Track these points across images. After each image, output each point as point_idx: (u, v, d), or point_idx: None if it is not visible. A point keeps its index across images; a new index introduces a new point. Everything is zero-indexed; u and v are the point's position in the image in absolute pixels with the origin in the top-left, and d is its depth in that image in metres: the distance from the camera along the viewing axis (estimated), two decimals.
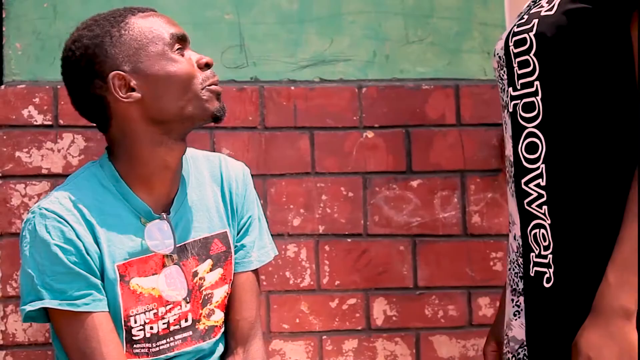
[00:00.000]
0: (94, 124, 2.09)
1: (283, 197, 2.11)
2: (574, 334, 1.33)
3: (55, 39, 2.07)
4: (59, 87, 2.05)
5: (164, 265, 1.51)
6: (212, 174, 1.63)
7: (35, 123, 2.05)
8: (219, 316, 1.60)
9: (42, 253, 1.42)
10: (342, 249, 2.12)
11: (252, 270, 1.66)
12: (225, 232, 1.61)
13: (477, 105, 2.16)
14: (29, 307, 1.43)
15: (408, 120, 2.15)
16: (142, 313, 1.49)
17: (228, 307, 1.63)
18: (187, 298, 1.53)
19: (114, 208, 1.48)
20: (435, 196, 2.15)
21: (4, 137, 2.04)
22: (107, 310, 1.45)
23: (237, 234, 1.65)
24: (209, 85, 1.49)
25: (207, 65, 1.50)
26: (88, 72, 1.46)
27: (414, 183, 2.15)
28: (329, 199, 2.12)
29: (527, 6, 1.53)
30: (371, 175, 2.14)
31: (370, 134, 2.14)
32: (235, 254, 1.64)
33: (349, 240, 2.13)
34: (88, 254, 1.44)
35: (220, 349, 1.62)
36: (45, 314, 1.46)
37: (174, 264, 1.51)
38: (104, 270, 1.46)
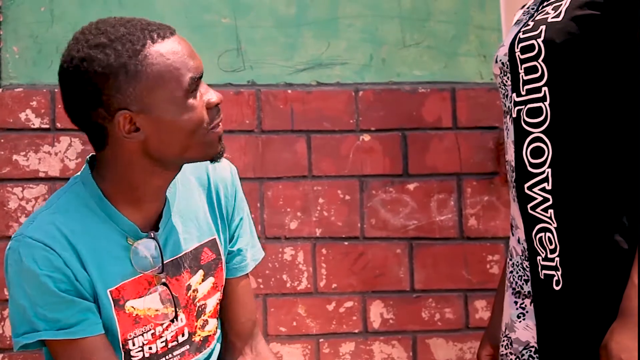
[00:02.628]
0: None
1: (280, 200, 2.11)
2: (587, 335, 1.34)
3: (53, 42, 2.07)
4: (56, 90, 2.05)
5: (155, 285, 1.46)
6: (198, 179, 1.55)
7: (32, 126, 2.05)
8: (212, 325, 1.57)
9: (31, 284, 1.35)
10: (339, 252, 2.12)
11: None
12: (214, 239, 1.55)
13: (474, 108, 2.17)
14: (25, 340, 1.37)
15: (404, 124, 2.16)
16: (140, 335, 1.45)
17: (231, 310, 1.61)
18: (175, 319, 1.48)
19: (100, 230, 1.41)
20: (432, 199, 2.15)
21: (1, 140, 2.04)
22: (103, 331, 1.41)
23: (231, 239, 1.60)
24: (213, 128, 1.40)
25: (216, 106, 1.41)
26: (93, 99, 1.33)
27: (411, 186, 2.15)
28: (326, 202, 2.13)
29: (527, 13, 1.54)
30: (368, 178, 2.14)
31: (366, 137, 2.15)
32: (231, 260, 1.60)
33: (346, 243, 2.13)
34: (77, 280, 1.37)
35: (217, 352, 1.62)
36: (40, 341, 1.40)
37: (161, 284, 1.45)
38: (96, 296, 1.40)
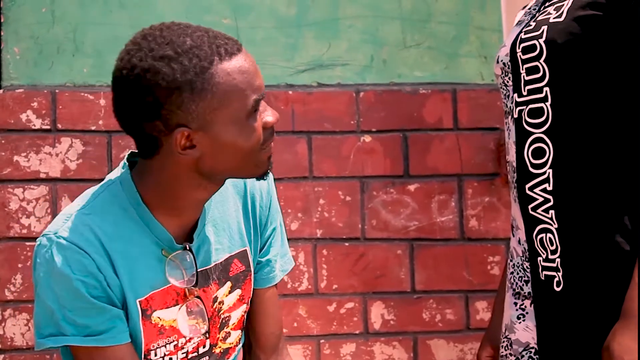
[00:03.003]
0: (92, 129, 2.09)
1: (281, 201, 2.11)
2: (588, 336, 1.34)
3: (54, 43, 2.07)
4: (57, 91, 2.06)
5: (185, 295, 1.41)
6: (235, 186, 1.50)
7: (33, 127, 2.05)
8: (234, 337, 1.53)
9: (62, 287, 1.31)
10: (340, 253, 2.12)
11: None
12: (245, 250, 1.50)
13: (474, 109, 2.17)
14: (51, 343, 1.33)
15: (405, 125, 2.16)
16: (162, 346, 1.41)
17: (256, 322, 1.57)
18: (207, 334, 1.45)
19: (135, 235, 1.36)
20: (433, 200, 2.15)
21: (2, 141, 2.04)
22: (130, 339, 1.37)
23: (261, 249, 1.55)
24: (264, 147, 1.36)
25: (272, 126, 1.37)
26: (152, 111, 1.28)
27: (412, 187, 2.15)
28: (327, 203, 2.13)
29: (529, 13, 1.54)
30: (369, 179, 2.14)
31: (367, 138, 2.15)
32: (260, 270, 1.55)
33: (347, 244, 2.13)
34: (109, 286, 1.33)
35: None
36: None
37: (196, 297, 1.42)
38: (125, 303, 1.36)
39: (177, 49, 1.27)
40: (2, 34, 2.07)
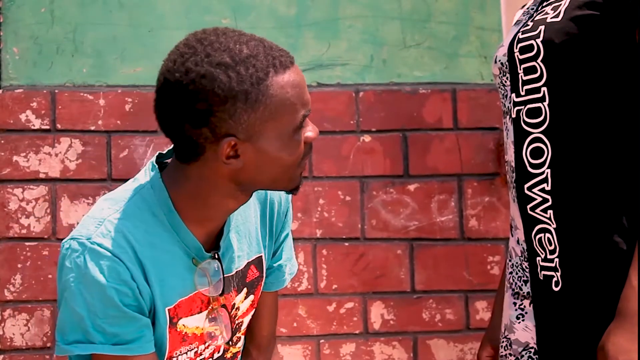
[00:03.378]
0: (92, 129, 2.09)
1: None
2: (587, 336, 1.34)
3: (53, 43, 2.07)
4: (56, 91, 2.05)
5: (208, 303, 1.40)
6: (256, 192, 1.47)
7: (32, 127, 2.05)
8: (242, 341, 1.54)
9: (94, 294, 1.28)
10: (340, 253, 2.12)
11: None
12: (261, 256, 1.50)
13: (474, 109, 2.17)
14: (78, 350, 1.30)
15: (405, 124, 2.16)
16: (184, 353, 1.40)
17: (257, 323, 1.57)
18: (230, 342, 1.46)
19: (164, 242, 1.34)
20: (433, 200, 2.15)
21: (2, 141, 2.04)
22: (154, 349, 1.35)
23: (274, 253, 1.55)
24: (302, 164, 1.35)
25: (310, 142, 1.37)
26: (201, 118, 1.25)
27: (411, 187, 2.15)
28: (327, 203, 2.13)
29: (527, 13, 1.54)
30: (368, 179, 2.14)
31: (367, 138, 2.15)
32: (270, 275, 1.55)
33: (347, 244, 2.13)
34: (141, 294, 1.31)
35: None
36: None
37: (221, 306, 1.42)
38: (154, 312, 1.34)
39: (235, 57, 1.25)
40: (1, 34, 2.07)
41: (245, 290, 1.47)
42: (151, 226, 1.33)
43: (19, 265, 2.02)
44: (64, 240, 1.33)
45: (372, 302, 2.13)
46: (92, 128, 2.06)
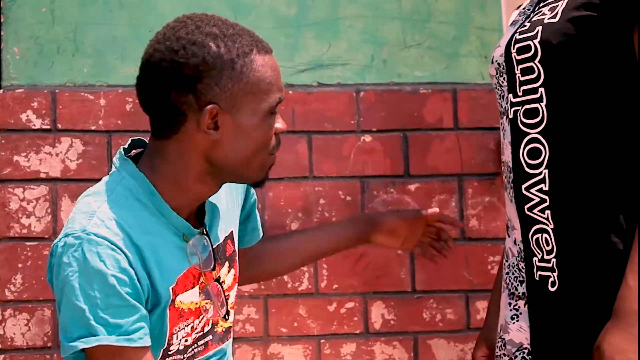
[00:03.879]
0: (92, 129, 2.09)
1: (281, 201, 2.11)
2: (583, 336, 1.35)
3: (53, 43, 2.07)
4: (57, 91, 2.06)
5: (199, 277, 1.44)
6: None
7: (33, 127, 2.05)
8: (232, 317, 1.56)
9: (96, 284, 1.29)
10: (340, 253, 2.11)
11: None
12: (233, 230, 1.57)
13: (475, 109, 2.17)
14: (82, 345, 1.30)
15: (406, 124, 2.16)
16: (182, 329, 1.43)
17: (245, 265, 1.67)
18: (227, 316, 1.49)
19: (154, 226, 1.38)
20: (433, 200, 2.15)
21: (2, 141, 2.04)
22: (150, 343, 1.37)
23: (245, 219, 1.67)
24: (272, 154, 1.43)
25: (279, 135, 1.44)
26: (187, 84, 1.32)
27: (412, 187, 2.15)
28: (327, 202, 2.13)
29: (523, 13, 1.54)
30: (369, 179, 2.14)
31: (368, 138, 2.15)
32: (248, 238, 1.70)
33: None
34: (139, 282, 1.33)
35: (231, 349, 1.61)
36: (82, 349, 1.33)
37: (215, 280, 1.47)
38: (157, 296, 1.37)
39: (223, 31, 1.35)
40: (2, 34, 2.07)
41: (227, 264, 1.53)
42: (139, 212, 1.37)
43: (20, 265, 2.02)
44: (55, 242, 1.33)
45: (373, 302, 2.13)
46: (93, 128, 2.06)
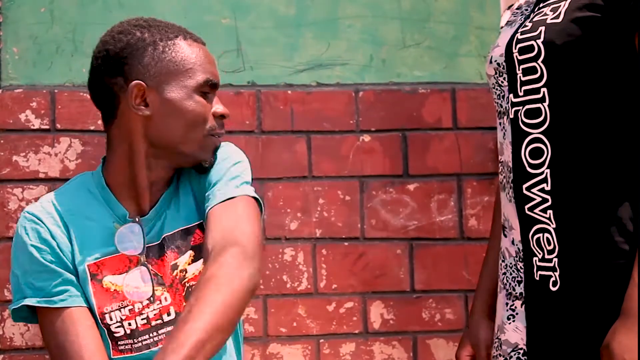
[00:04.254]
0: (91, 129, 2.10)
1: (280, 200, 2.11)
2: (587, 335, 1.35)
3: (53, 43, 2.07)
4: (56, 91, 2.06)
5: (137, 263, 1.54)
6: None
7: (32, 127, 2.05)
8: None
9: (22, 253, 1.51)
10: (339, 253, 2.12)
11: (216, 206, 1.49)
12: (204, 222, 1.57)
13: (474, 109, 2.17)
14: (13, 306, 1.51)
15: (405, 124, 2.16)
16: (116, 310, 1.52)
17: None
18: (152, 298, 1.53)
19: (95, 212, 1.54)
20: (432, 200, 2.15)
21: (1, 141, 2.04)
22: (85, 305, 1.51)
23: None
24: (212, 135, 1.54)
25: (222, 117, 1.56)
26: (116, 66, 1.49)
27: (411, 186, 2.15)
28: (326, 202, 2.13)
29: (520, 14, 1.54)
30: (368, 178, 2.14)
31: (367, 137, 2.15)
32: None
33: (346, 243, 2.13)
34: (62, 252, 1.51)
35: (232, 345, 1.61)
36: (34, 315, 1.52)
37: (141, 264, 1.54)
38: (77, 270, 1.52)
39: (151, 23, 1.54)
40: (1, 33, 2.07)
41: (191, 252, 1.57)
42: (84, 200, 1.55)
43: None
44: None
45: (372, 302, 2.13)
46: (92, 128, 2.06)
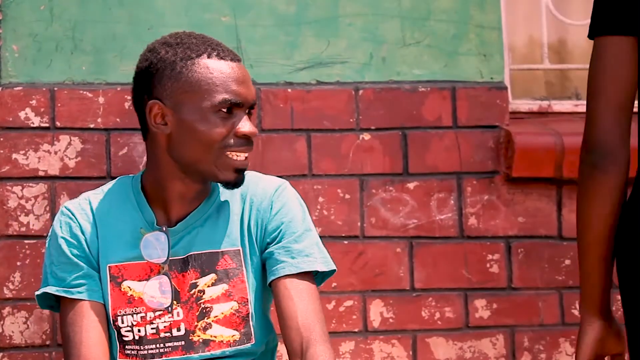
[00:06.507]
0: (91, 127, 2.10)
1: None
2: None
3: (52, 41, 2.07)
4: (55, 89, 2.05)
5: (158, 273, 1.56)
6: (242, 191, 1.61)
7: (32, 125, 2.05)
8: (218, 331, 1.56)
9: (52, 243, 1.59)
10: (339, 251, 2.12)
11: (292, 277, 1.54)
12: (239, 250, 1.59)
13: (474, 107, 2.17)
14: (37, 292, 1.58)
15: (405, 123, 2.15)
16: (129, 315, 1.55)
17: (278, 317, 1.56)
18: (169, 308, 1.54)
19: (126, 215, 1.58)
20: (432, 198, 2.15)
21: (1, 139, 2.04)
22: (101, 302, 1.55)
23: (265, 246, 1.59)
24: (230, 153, 1.51)
25: (245, 137, 1.52)
26: (143, 85, 1.54)
27: (411, 185, 2.15)
28: (326, 201, 2.13)
29: None
30: (368, 177, 2.14)
31: (367, 136, 2.14)
32: (267, 265, 1.58)
33: (346, 242, 2.13)
34: (89, 248, 1.57)
35: None
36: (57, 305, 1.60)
37: (163, 273, 1.56)
38: (99, 267, 1.57)
39: (179, 40, 1.54)
40: (0, 31, 2.06)
41: (213, 276, 1.57)
42: (119, 202, 1.60)
43: (18, 263, 2.02)
44: None
45: (372, 300, 2.13)
46: (92, 126, 2.06)
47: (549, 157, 2.13)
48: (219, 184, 1.60)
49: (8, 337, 2.01)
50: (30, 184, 2.04)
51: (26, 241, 2.03)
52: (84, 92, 2.06)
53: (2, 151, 2.03)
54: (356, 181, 2.14)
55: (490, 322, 2.14)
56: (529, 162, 2.12)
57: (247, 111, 1.54)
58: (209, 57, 1.52)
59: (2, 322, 2.02)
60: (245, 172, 1.59)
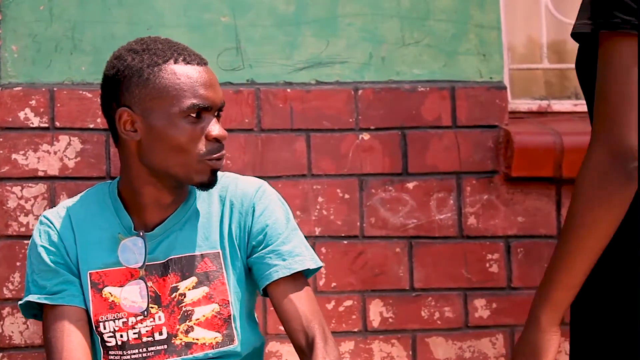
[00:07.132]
0: (90, 127, 2.10)
1: None
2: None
3: (52, 41, 2.07)
4: (55, 89, 2.06)
5: (139, 278, 1.57)
6: (220, 194, 1.62)
7: (31, 125, 2.05)
8: (200, 334, 1.57)
9: (32, 252, 1.60)
10: (339, 251, 2.12)
11: (286, 279, 1.57)
12: (218, 252, 1.59)
13: (473, 107, 2.17)
14: (20, 302, 1.59)
15: (404, 122, 2.15)
16: (111, 320, 1.56)
17: (281, 321, 1.60)
18: (145, 312, 1.55)
19: (104, 222, 1.59)
20: (431, 198, 2.15)
21: (0, 139, 2.04)
22: (82, 307, 1.56)
23: (251, 250, 1.60)
24: (208, 159, 1.52)
25: (217, 140, 1.52)
26: (111, 92, 1.54)
27: (410, 185, 2.15)
28: (325, 200, 2.13)
29: None
30: (367, 177, 2.14)
31: (366, 135, 2.15)
32: (256, 270, 1.60)
33: (345, 242, 2.13)
34: (69, 255, 1.58)
35: None
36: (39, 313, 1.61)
37: (139, 278, 1.57)
38: (80, 274, 1.58)
39: (145, 46, 1.54)
40: (0, 31, 2.06)
41: (194, 279, 1.58)
42: (97, 209, 1.61)
43: (18, 264, 2.02)
44: None
45: (371, 300, 2.13)
46: (91, 126, 2.06)
47: (549, 156, 2.13)
48: (195, 188, 1.59)
49: (8, 337, 2.02)
50: (30, 184, 2.04)
51: (26, 241, 2.03)
52: (84, 93, 2.06)
53: (1, 151, 2.03)
54: (356, 181, 2.14)
55: (489, 321, 2.15)
56: (529, 161, 2.12)
57: (215, 114, 1.55)
58: (175, 62, 1.52)
59: (2, 322, 2.02)
60: (223, 174, 1.61)
